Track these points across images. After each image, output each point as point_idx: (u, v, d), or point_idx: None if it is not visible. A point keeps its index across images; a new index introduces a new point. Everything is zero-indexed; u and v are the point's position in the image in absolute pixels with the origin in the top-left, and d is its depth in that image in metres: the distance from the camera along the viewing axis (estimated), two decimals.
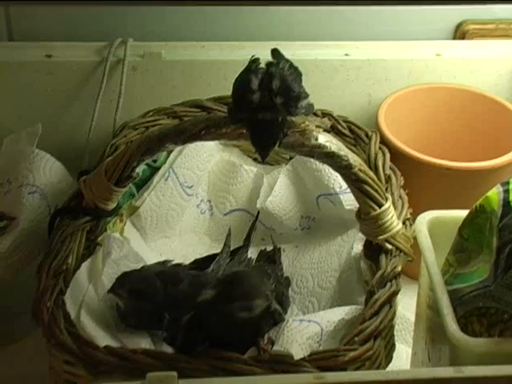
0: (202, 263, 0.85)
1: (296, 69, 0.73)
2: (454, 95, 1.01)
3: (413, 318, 0.85)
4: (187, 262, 0.91)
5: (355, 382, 0.60)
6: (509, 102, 1.00)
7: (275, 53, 0.75)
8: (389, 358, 0.77)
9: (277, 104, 0.69)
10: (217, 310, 0.71)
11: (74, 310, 0.74)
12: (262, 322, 0.72)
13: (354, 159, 0.74)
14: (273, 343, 0.71)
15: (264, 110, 0.68)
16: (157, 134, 0.76)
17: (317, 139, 0.72)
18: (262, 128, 0.69)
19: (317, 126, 0.73)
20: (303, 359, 0.66)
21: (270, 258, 0.90)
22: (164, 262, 0.83)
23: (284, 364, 0.66)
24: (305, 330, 0.71)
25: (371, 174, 0.76)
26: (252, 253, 0.92)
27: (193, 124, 0.73)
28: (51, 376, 0.74)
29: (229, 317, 0.70)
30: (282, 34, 1.04)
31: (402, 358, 0.87)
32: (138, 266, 0.83)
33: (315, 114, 0.92)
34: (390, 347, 0.77)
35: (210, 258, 0.86)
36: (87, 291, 0.78)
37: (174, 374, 0.58)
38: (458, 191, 0.88)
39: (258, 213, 0.94)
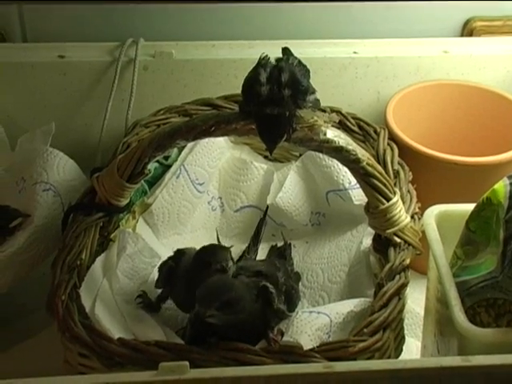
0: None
1: (304, 66, 0.75)
2: (461, 92, 1.02)
3: (422, 313, 0.86)
4: None
5: (364, 371, 0.60)
6: None
7: (285, 50, 0.76)
8: (398, 351, 0.77)
9: (285, 96, 0.69)
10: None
11: (88, 303, 0.75)
12: (266, 318, 0.73)
13: (362, 153, 0.75)
14: (282, 334, 0.72)
15: (272, 103, 0.69)
16: (168, 130, 0.77)
17: (325, 134, 0.73)
18: (269, 121, 0.70)
19: (325, 122, 0.74)
20: (313, 350, 0.67)
21: (281, 254, 0.91)
22: None
23: (294, 355, 0.67)
24: (314, 321, 0.72)
25: (379, 168, 0.77)
26: (263, 249, 0.93)
27: (203, 120, 0.75)
28: (66, 370, 0.76)
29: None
30: (290, 32, 1.05)
31: (412, 351, 0.88)
32: (153, 261, 0.85)
33: (324, 111, 0.93)
34: (400, 340, 0.77)
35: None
36: (101, 285, 0.80)
37: (186, 363, 0.59)
38: (466, 186, 0.89)
39: (267, 208, 0.95)
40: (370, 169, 0.75)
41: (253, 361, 0.66)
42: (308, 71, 0.74)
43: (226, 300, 0.71)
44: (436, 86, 1.02)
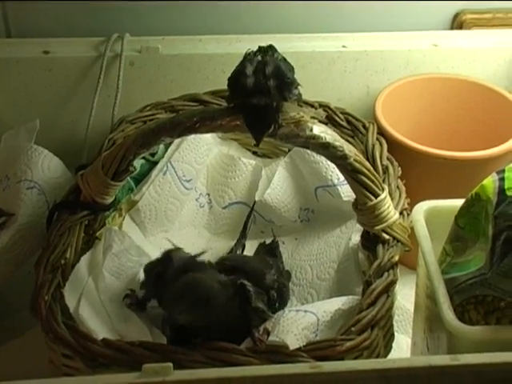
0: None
1: (289, 63, 0.74)
2: (451, 85, 1.01)
3: (412, 309, 0.85)
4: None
5: (352, 371, 0.60)
6: (507, 92, 1.00)
7: (271, 47, 0.76)
8: (388, 348, 0.77)
9: (270, 87, 0.69)
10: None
11: (72, 303, 0.74)
12: (247, 317, 0.73)
13: (349, 149, 0.74)
14: (268, 333, 0.71)
15: (258, 93, 0.69)
16: (152, 127, 0.76)
17: (312, 130, 0.72)
18: (256, 112, 0.69)
19: (312, 117, 0.74)
20: (299, 349, 0.66)
21: (270, 251, 0.90)
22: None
23: (280, 354, 0.66)
24: (300, 320, 0.71)
25: (367, 164, 0.76)
26: (252, 245, 0.93)
27: (187, 117, 0.74)
28: (51, 370, 0.75)
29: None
30: (278, 26, 1.04)
31: (403, 348, 0.87)
32: (141, 260, 0.83)
33: (312, 106, 0.93)
34: (389, 337, 0.77)
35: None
36: (87, 284, 0.79)
37: (170, 365, 0.59)
38: (456, 181, 0.88)
39: (254, 204, 0.94)
40: (357, 165, 0.74)
41: (238, 361, 0.65)
42: (292, 68, 0.74)
43: (194, 299, 0.70)
44: (426, 80, 1.01)
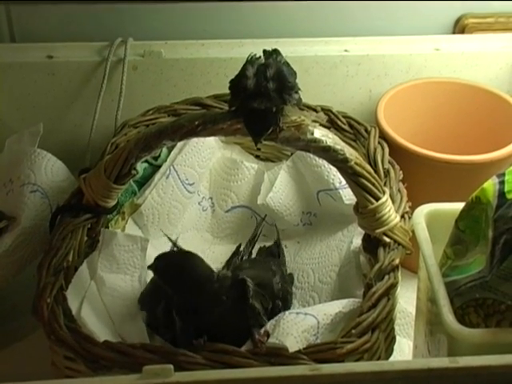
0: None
1: (291, 68, 0.74)
2: (453, 89, 1.01)
3: (414, 312, 0.85)
4: None
5: (351, 373, 0.60)
6: (509, 96, 1.00)
7: (275, 51, 0.76)
8: (389, 351, 0.77)
9: (270, 90, 0.69)
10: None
11: (75, 305, 0.75)
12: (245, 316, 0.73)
13: (350, 153, 0.74)
14: (268, 335, 0.71)
15: (259, 96, 0.69)
16: (154, 130, 0.76)
17: (313, 134, 0.73)
18: (255, 115, 0.70)
19: (313, 121, 0.74)
20: (299, 352, 0.66)
21: (271, 253, 0.90)
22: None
23: (280, 357, 0.66)
24: (300, 322, 0.71)
25: (368, 167, 0.76)
26: (254, 249, 0.93)
27: (189, 120, 0.74)
28: (53, 373, 0.75)
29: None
30: (281, 31, 1.05)
31: (405, 351, 0.87)
32: (134, 248, 0.83)
33: (314, 110, 0.93)
34: (391, 340, 0.77)
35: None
36: (89, 287, 0.79)
37: (170, 366, 0.59)
38: (458, 184, 0.88)
39: (265, 217, 0.95)
40: (358, 168, 0.74)
41: (239, 363, 0.65)
42: (295, 73, 0.74)
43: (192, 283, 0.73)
44: (428, 84, 1.01)
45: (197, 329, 0.71)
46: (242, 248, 0.92)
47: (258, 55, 0.74)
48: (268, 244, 0.92)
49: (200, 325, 0.71)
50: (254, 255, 0.91)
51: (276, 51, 0.75)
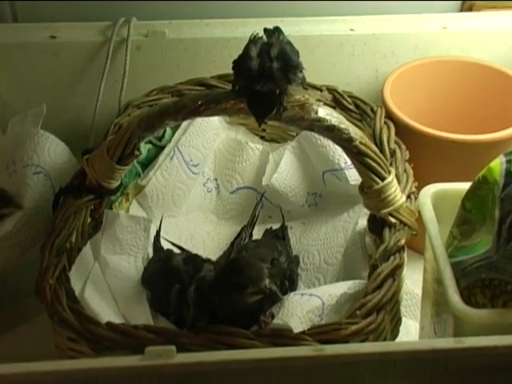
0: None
1: (294, 46, 0.73)
2: (461, 68, 1.00)
3: (421, 293, 0.85)
4: (193, 240, 0.92)
5: (355, 354, 0.59)
6: None
7: (277, 29, 0.75)
8: (395, 332, 0.76)
9: (275, 70, 0.68)
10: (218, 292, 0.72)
11: (78, 286, 0.74)
12: (260, 303, 0.72)
13: (355, 132, 0.73)
14: (273, 317, 0.71)
15: (263, 77, 0.68)
16: (156, 110, 0.75)
17: (317, 113, 0.72)
18: (260, 96, 0.69)
19: (317, 100, 0.73)
20: (304, 333, 0.66)
21: (277, 236, 0.90)
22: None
23: (284, 338, 0.66)
24: (305, 303, 0.71)
25: (373, 147, 0.75)
26: (259, 230, 0.92)
27: (192, 100, 0.73)
28: (57, 354, 0.75)
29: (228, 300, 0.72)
30: (286, 10, 1.03)
31: (411, 333, 0.87)
32: (137, 228, 0.83)
33: (319, 89, 0.92)
34: (396, 321, 0.76)
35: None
36: (93, 268, 0.79)
37: (173, 347, 0.58)
38: (465, 164, 0.86)
39: (264, 193, 0.94)
40: (363, 147, 0.73)
41: (242, 344, 0.65)
42: (297, 52, 0.73)
43: None
44: (435, 63, 1.00)
45: (212, 315, 0.70)
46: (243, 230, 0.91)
47: (260, 34, 0.73)
48: (274, 226, 0.91)
49: (215, 312, 0.71)
50: (256, 236, 0.90)
51: (278, 29, 0.74)
